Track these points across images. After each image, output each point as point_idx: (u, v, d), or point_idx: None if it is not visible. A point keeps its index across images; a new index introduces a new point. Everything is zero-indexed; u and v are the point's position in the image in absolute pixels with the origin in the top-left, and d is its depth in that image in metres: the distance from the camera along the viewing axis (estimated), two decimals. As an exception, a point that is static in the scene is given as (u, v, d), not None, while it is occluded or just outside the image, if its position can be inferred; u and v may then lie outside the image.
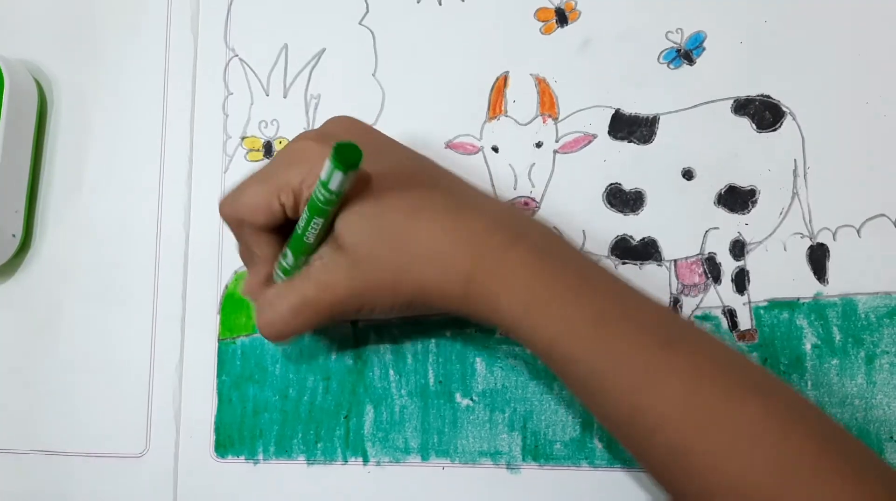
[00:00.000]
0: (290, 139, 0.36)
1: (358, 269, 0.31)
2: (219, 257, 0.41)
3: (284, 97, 0.42)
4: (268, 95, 0.42)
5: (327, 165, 0.28)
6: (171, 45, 0.43)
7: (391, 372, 0.39)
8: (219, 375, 0.40)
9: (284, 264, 0.33)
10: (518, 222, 0.33)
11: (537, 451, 0.37)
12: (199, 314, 0.41)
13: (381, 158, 0.32)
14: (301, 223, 0.31)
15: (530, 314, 0.30)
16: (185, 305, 0.41)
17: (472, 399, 0.38)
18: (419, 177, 0.33)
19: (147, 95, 0.43)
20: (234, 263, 0.40)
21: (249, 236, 0.33)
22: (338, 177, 0.29)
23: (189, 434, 0.40)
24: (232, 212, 0.33)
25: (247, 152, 0.42)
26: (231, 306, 0.40)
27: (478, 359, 0.38)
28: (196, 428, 0.40)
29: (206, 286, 0.41)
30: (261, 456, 0.39)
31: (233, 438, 0.39)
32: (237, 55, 0.42)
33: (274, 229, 0.33)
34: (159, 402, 0.40)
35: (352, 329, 0.39)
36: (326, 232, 0.32)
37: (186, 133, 0.42)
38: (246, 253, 0.35)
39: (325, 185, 0.29)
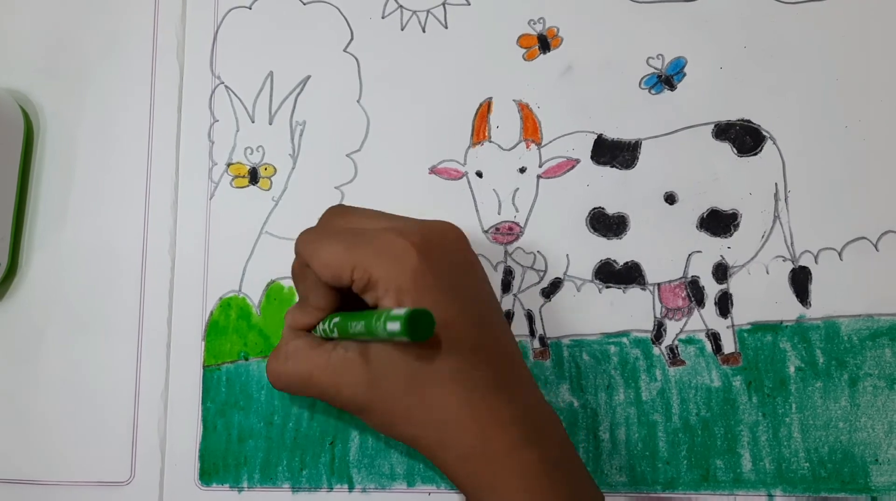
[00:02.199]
0: (384, 221, 0.33)
1: (370, 394, 0.31)
2: (204, 284, 0.41)
3: (270, 124, 0.42)
4: (253, 122, 0.42)
5: (395, 327, 0.27)
6: (157, 73, 0.43)
7: (376, 398, 0.39)
8: (204, 402, 0.40)
9: (326, 326, 0.33)
10: (541, 422, 0.32)
11: (523, 476, 0.37)
12: (185, 340, 0.40)
13: (455, 292, 0.31)
14: (354, 315, 0.31)
15: None
16: (170, 331, 0.41)
17: (457, 425, 0.38)
18: (481, 330, 0.31)
19: (133, 123, 0.43)
20: (219, 289, 0.40)
21: (311, 280, 0.33)
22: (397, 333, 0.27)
23: (174, 462, 0.39)
24: (305, 254, 0.32)
25: (232, 179, 0.42)
26: (216, 332, 0.40)
27: (463, 384, 0.38)
28: (181, 456, 0.39)
29: (192, 313, 0.41)
30: (245, 484, 0.39)
31: (218, 465, 0.39)
32: (223, 82, 0.43)
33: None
34: (144, 429, 0.40)
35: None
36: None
37: (172, 160, 0.42)
38: (300, 280, 0.34)
39: (385, 327, 0.28)
